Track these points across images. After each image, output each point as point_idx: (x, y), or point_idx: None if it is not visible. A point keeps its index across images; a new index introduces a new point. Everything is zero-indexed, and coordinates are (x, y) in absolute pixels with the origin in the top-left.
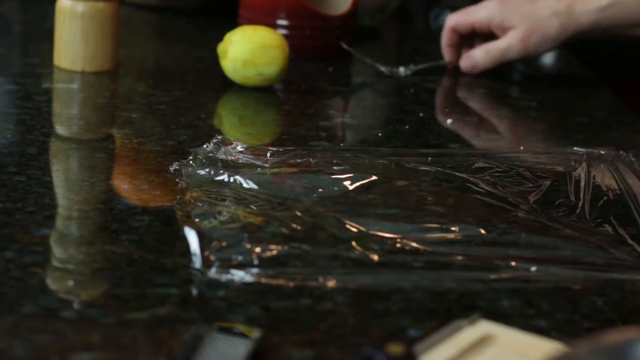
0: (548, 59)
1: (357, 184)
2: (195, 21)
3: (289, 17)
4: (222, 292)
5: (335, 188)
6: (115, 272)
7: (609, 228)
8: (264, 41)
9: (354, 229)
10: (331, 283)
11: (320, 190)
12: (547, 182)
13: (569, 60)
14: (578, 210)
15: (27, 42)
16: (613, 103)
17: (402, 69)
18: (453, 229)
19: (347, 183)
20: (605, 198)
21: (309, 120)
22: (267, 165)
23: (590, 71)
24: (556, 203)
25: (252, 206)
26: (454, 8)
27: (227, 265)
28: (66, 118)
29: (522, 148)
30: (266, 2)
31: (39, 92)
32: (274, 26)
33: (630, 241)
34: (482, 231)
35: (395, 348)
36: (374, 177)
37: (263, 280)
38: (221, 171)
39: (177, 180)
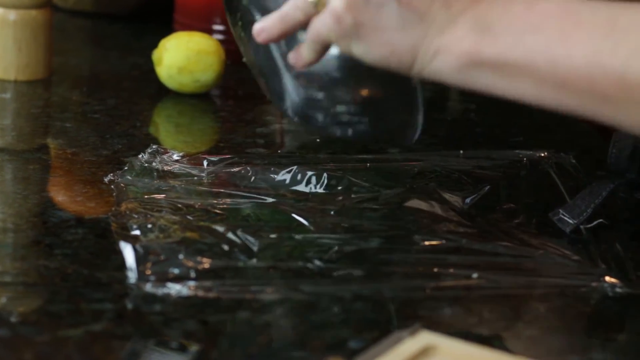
0: None
1: (296, 191)
2: (130, 26)
3: (225, 22)
4: (158, 307)
5: (273, 199)
6: (49, 287)
7: (549, 232)
8: (199, 47)
9: (293, 239)
10: (270, 295)
11: (258, 199)
12: (487, 187)
13: None
14: (519, 215)
15: None
16: None
17: None
18: (393, 236)
19: (285, 192)
20: (546, 202)
21: (246, 127)
22: (203, 174)
23: None
24: (497, 208)
25: (188, 217)
26: None
27: (163, 278)
28: None
29: (461, 152)
30: (202, 7)
31: None
32: (210, 31)
33: (572, 245)
34: (422, 238)
35: None
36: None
37: (200, 293)
38: (157, 181)
39: (112, 191)
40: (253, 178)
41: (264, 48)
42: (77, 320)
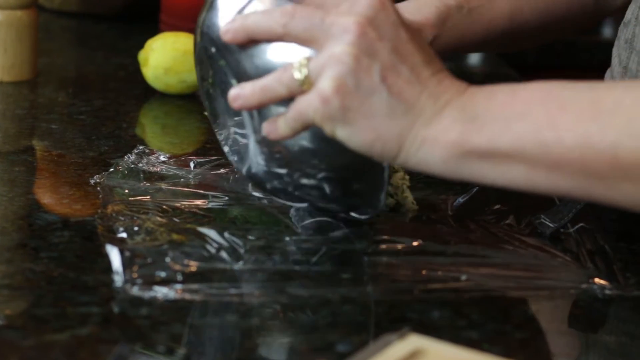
0: (474, 59)
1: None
2: (116, 27)
3: None
4: (145, 310)
5: (263, 200)
6: (35, 291)
7: (538, 234)
8: (185, 48)
9: (281, 241)
10: (257, 298)
11: (245, 200)
12: (476, 188)
13: (495, 60)
14: (508, 217)
15: None
16: None
17: None
18: (382, 237)
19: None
20: (534, 203)
21: None
22: (190, 176)
23: (516, 71)
24: (486, 209)
25: (175, 219)
26: None
27: (150, 281)
28: None
29: None
30: (188, 8)
31: None
32: None
33: (561, 247)
34: (410, 240)
35: None
36: None
37: (187, 296)
38: (143, 183)
39: (98, 193)
40: (240, 180)
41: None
42: (63, 324)
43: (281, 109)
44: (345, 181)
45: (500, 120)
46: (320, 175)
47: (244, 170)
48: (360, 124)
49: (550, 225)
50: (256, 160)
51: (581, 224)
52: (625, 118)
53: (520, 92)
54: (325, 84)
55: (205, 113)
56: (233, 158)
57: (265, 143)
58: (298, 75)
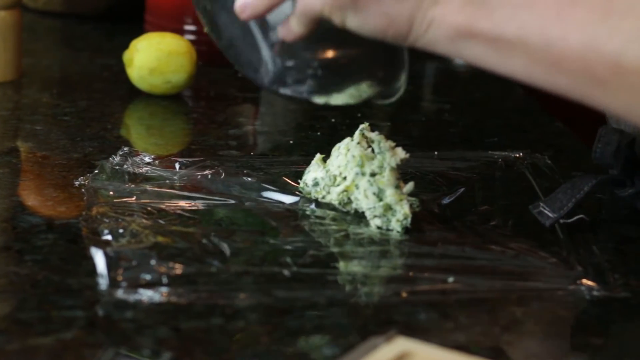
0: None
1: (270, 195)
2: (100, 27)
3: (196, 22)
4: (130, 314)
5: (246, 202)
6: (19, 294)
7: (525, 234)
8: (170, 48)
9: (267, 243)
10: (243, 301)
11: (231, 202)
12: (462, 189)
13: None
14: (495, 217)
15: None
16: (527, 104)
17: None
18: (368, 240)
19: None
20: (521, 203)
21: (219, 129)
22: (175, 177)
23: None
24: (472, 210)
25: (160, 221)
26: None
27: (135, 284)
28: None
29: (436, 153)
30: (173, 8)
31: None
32: (181, 32)
33: (548, 248)
34: (397, 241)
35: None
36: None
37: (173, 299)
38: (128, 185)
39: (82, 195)
40: (226, 181)
41: (238, 20)
42: (48, 328)
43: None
44: (363, 65)
45: (508, 6)
46: (337, 64)
47: (261, 79)
48: (371, 10)
49: (550, 215)
50: (271, 65)
51: (581, 215)
52: (635, 23)
53: None
54: None
55: (206, 30)
56: (246, 70)
57: (276, 44)
58: None
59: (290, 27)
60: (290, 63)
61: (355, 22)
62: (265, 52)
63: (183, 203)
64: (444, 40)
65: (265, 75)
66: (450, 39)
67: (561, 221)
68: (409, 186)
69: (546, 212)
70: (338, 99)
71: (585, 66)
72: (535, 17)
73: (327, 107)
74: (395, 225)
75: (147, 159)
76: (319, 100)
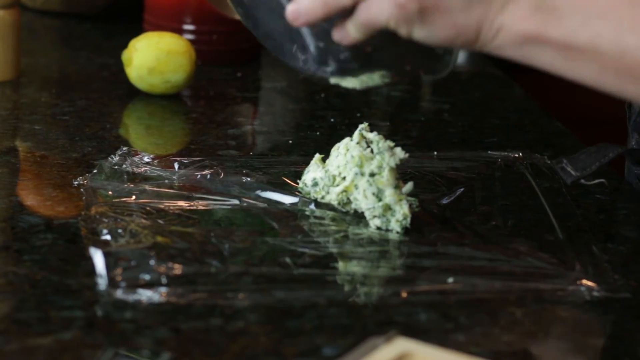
0: (460, 59)
1: (269, 195)
2: (99, 27)
3: (195, 21)
4: (129, 314)
5: (245, 202)
6: (18, 294)
7: (525, 235)
8: (169, 48)
9: (266, 243)
10: (242, 301)
11: (230, 202)
12: (462, 189)
13: (482, 60)
14: (494, 217)
15: None
16: (526, 104)
17: None
18: (368, 241)
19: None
20: (521, 203)
21: (218, 129)
22: (174, 177)
23: (502, 70)
24: (472, 210)
25: (159, 221)
26: None
27: (134, 285)
28: None
29: (435, 153)
30: (172, 7)
31: None
32: (180, 31)
33: (547, 248)
34: (397, 242)
35: None
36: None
37: (172, 299)
38: (127, 184)
39: (81, 194)
40: (225, 181)
41: (280, 17)
42: (47, 328)
43: None
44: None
45: (581, 14)
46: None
47: (307, 64)
48: (439, 22)
49: (573, 173)
50: (313, 49)
51: (602, 179)
52: None
53: None
54: None
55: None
56: (289, 59)
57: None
58: None
59: (348, 33)
60: (321, 44)
61: (422, 33)
62: (308, 38)
63: (182, 203)
64: (513, 45)
65: (310, 59)
66: (519, 44)
67: (582, 182)
68: (408, 186)
69: (569, 169)
70: (350, 82)
71: None
72: (610, 25)
73: (326, 107)
74: (395, 226)
75: (146, 159)
76: (334, 80)
